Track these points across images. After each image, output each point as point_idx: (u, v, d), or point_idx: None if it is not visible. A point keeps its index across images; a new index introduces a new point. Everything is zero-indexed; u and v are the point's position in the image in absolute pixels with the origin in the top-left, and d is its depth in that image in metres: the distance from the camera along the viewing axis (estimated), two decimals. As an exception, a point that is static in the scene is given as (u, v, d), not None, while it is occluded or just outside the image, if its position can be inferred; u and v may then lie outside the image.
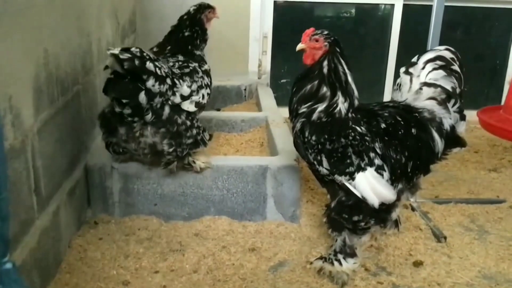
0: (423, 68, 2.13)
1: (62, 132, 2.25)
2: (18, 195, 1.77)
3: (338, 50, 2.09)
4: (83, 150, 2.60)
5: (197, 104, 2.55)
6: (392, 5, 4.51)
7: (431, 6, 2.86)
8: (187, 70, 2.59)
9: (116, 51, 2.10)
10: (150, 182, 2.62)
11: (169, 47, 2.77)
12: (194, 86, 2.56)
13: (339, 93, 2.07)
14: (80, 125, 2.56)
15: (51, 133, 2.10)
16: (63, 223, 2.26)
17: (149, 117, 2.30)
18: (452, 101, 2.12)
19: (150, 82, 2.23)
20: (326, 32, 2.10)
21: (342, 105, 2.07)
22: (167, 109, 2.37)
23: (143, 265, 2.27)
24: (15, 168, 1.74)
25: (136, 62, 2.14)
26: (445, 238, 2.57)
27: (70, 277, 2.17)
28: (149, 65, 2.21)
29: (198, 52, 2.83)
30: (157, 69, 2.26)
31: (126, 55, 2.12)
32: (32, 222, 1.91)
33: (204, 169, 2.61)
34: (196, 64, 2.69)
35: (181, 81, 2.48)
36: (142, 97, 2.22)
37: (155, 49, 2.78)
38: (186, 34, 2.81)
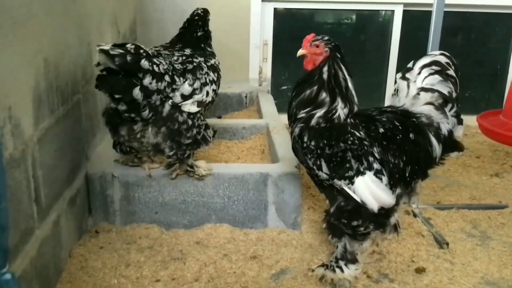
0: (419, 73, 2.13)
1: (62, 141, 2.25)
2: (18, 204, 1.77)
3: (338, 55, 2.10)
4: (84, 159, 2.60)
5: (200, 103, 2.52)
6: (392, 11, 4.52)
7: (431, 11, 2.86)
8: (190, 66, 2.52)
9: (107, 47, 2.08)
10: (151, 190, 2.62)
11: (180, 45, 2.75)
12: (197, 84, 2.51)
13: (339, 99, 2.07)
14: (81, 134, 2.56)
15: (51, 143, 2.10)
16: (64, 232, 2.26)
17: (146, 113, 2.29)
18: (449, 105, 2.12)
19: (147, 80, 2.21)
20: (326, 38, 2.10)
21: (341, 111, 2.07)
22: (167, 107, 2.36)
23: (144, 274, 2.27)
24: (15, 178, 1.74)
25: (128, 58, 2.11)
26: (447, 244, 2.56)
27: (71, 286, 2.17)
28: (144, 63, 2.18)
29: (210, 50, 2.83)
30: (154, 66, 2.23)
31: (117, 51, 2.09)
32: (32, 232, 1.91)
33: (206, 176, 2.61)
34: (202, 59, 2.64)
35: (181, 78, 2.44)
36: (137, 92, 2.20)
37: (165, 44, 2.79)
38: (199, 34, 2.83)
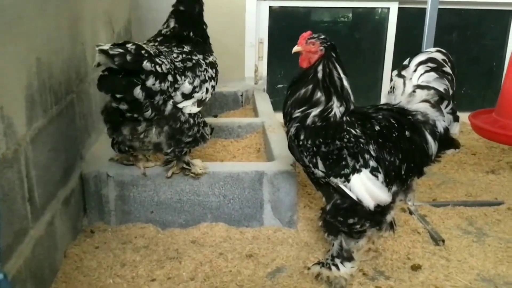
0: (415, 70, 2.12)
1: (56, 141, 2.24)
2: (11, 204, 1.76)
3: (333, 55, 2.08)
4: (78, 159, 2.59)
5: (200, 102, 2.52)
6: (388, 9, 4.52)
7: (425, 8, 2.86)
8: (189, 64, 2.50)
9: (106, 46, 2.07)
10: (146, 189, 2.61)
11: (186, 32, 2.66)
12: (197, 81, 2.49)
13: (335, 98, 2.06)
14: (75, 133, 2.55)
15: (45, 142, 2.09)
16: (59, 232, 2.25)
17: (148, 113, 2.28)
18: (445, 102, 2.12)
19: (150, 81, 2.21)
20: (322, 37, 2.09)
21: (337, 109, 2.06)
22: (169, 106, 2.36)
23: (139, 274, 2.26)
24: (8, 178, 1.73)
25: (128, 57, 2.10)
26: (443, 241, 2.56)
27: (66, 286, 2.16)
28: (146, 64, 2.17)
29: (208, 39, 2.77)
30: (157, 66, 2.22)
31: (116, 50, 2.08)
32: (26, 232, 1.89)
33: (201, 175, 2.60)
34: (201, 57, 2.61)
35: (183, 77, 2.42)
36: (138, 92, 2.19)
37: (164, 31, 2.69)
38: (197, 10, 2.74)
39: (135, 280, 2.22)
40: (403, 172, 2.07)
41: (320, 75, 2.07)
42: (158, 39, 2.67)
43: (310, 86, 2.08)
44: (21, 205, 1.85)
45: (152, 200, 2.63)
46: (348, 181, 2.02)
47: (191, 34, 2.68)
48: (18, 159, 1.81)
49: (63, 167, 2.34)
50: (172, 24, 2.70)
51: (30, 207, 1.92)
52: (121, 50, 2.09)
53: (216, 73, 2.71)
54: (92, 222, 2.63)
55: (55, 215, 2.20)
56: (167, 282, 2.22)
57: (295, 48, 2.12)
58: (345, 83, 2.09)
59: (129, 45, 2.14)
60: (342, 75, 2.08)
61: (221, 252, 2.43)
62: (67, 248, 2.38)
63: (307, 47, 2.09)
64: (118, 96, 2.20)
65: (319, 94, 2.07)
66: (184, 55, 2.53)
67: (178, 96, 2.39)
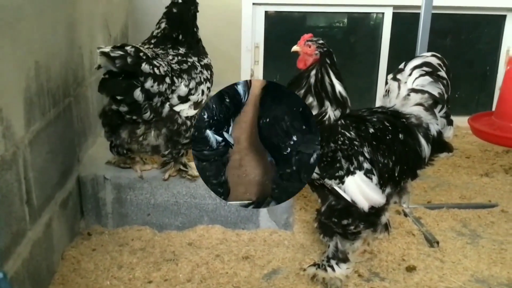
0: (410, 74, 2.14)
1: (54, 143, 2.25)
2: (9, 206, 1.77)
3: (328, 61, 2.09)
4: (76, 162, 2.61)
5: (196, 105, 2.54)
6: (382, 14, 4.56)
7: (419, 14, 2.89)
8: (185, 66, 2.52)
9: (107, 49, 2.10)
10: (143, 192, 2.62)
11: (175, 33, 2.65)
12: (192, 84, 2.51)
13: (328, 103, 2.08)
14: (72, 136, 2.56)
15: (42, 145, 2.11)
16: (56, 234, 2.26)
17: (147, 115, 2.31)
18: (439, 106, 2.15)
19: (149, 83, 2.24)
20: (321, 42, 2.11)
21: (331, 113, 2.08)
22: (166, 108, 2.39)
23: (136, 276, 2.27)
24: (6, 180, 1.74)
25: (129, 60, 2.13)
26: (437, 243, 2.58)
27: (63, 288, 2.17)
28: (145, 67, 2.20)
29: (200, 42, 2.77)
30: (155, 68, 2.25)
31: (117, 53, 2.11)
32: (24, 234, 1.91)
33: (198, 177, 2.62)
34: (195, 59, 2.63)
35: (179, 79, 2.45)
36: (138, 94, 2.22)
37: (156, 33, 2.68)
38: (192, 12, 2.72)
39: (132, 282, 2.24)
40: (396, 174, 2.10)
41: (312, 80, 2.09)
42: (153, 41, 2.68)
43: (302, 91, 2.10)
44: (19, 207, 1.86)
45: (148, 203, 2.64)
46: (343, 183, 2.05)
47: (180, 36, 2.68)
48: (16, 161, 1.83)
49: (60, 170, 2.35)
50: (163, 25, 2.70)
51: (28, 209, 1.93)
52: (121, 53, 2.13)
53: (211, 75, 2.73)
54: (89, 225, 2.64)
55: (52, 217, 2.21)
56: (163, 284, 2.23)
57: (294, 48, 2.14)
58: (339, 88, 2.09)
59: (128, 48, 2.17)
60: (334, 81, 2.09)
61: (218, 254, 2.45)
62: (65, 250, 2.39)
63: (304, 49, 2.11)
64: (118, 98, 2.23)
65: (310, 99, 2.09)
66: (179, 57, 2.56)
67: (174, 99, 2.42)
